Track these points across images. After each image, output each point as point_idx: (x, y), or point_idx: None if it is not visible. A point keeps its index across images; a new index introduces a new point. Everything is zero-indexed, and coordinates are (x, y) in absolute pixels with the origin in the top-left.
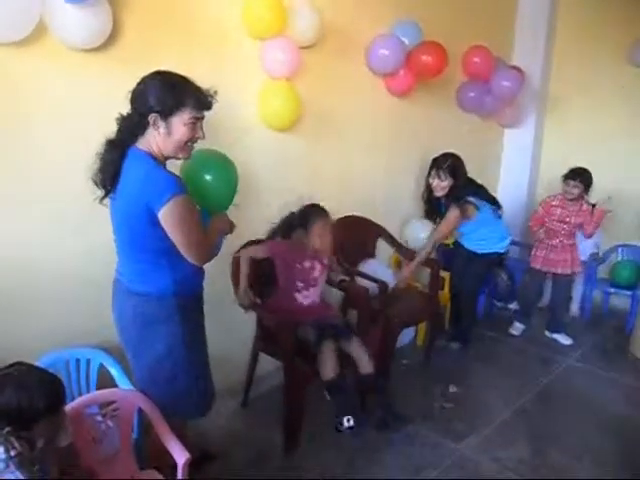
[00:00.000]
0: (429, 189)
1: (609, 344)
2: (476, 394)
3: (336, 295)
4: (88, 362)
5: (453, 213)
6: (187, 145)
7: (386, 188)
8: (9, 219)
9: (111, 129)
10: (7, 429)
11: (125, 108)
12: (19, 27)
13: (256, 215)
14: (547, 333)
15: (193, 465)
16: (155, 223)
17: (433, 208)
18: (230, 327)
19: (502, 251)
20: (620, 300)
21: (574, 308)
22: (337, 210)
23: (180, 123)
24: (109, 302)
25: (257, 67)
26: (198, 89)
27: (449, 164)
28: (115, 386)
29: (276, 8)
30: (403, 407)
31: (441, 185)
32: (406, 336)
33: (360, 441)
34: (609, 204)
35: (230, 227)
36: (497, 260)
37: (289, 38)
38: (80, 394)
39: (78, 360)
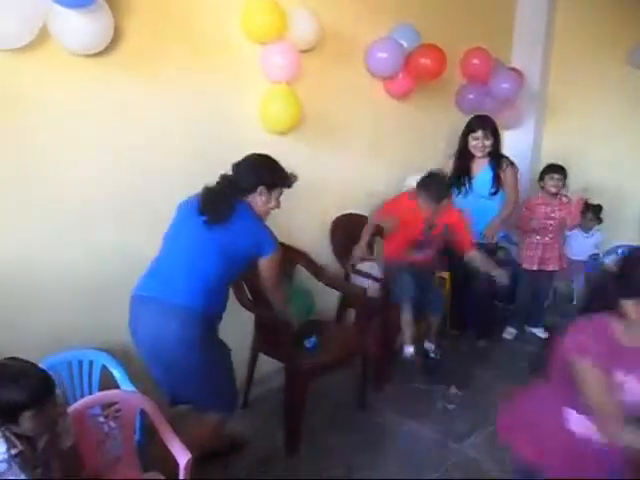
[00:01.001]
0: (464, 153)
1: None
2: (478, 394)
3: (334, 294)
4: (91, 364)
5: (510, 169)
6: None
7: (386, 189)
8: (12, 222)
9: (111, 133)
10: None
11: (125, 112)
12: (22, 33)
13: None
14: (526, 327)
15: (223, 455)
16: (250, 263)
17: (465, 172)
18: (228, 329)
19: (498, 239)
20: None
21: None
22: (338, 211)
23: (276, 196)
24: (111, 304)
25: (257, 72)
26: (287, 173)
27: (491, 122)
28: (117, 388)
29: (275, 13)
30: (404, 407)
31: (486, 144)
32: None
33: (361, 440)
34: (586, 194)
35: None
36: (496, 249)
37: (288, 42)
38: (82, 396)
39: (81, 362)
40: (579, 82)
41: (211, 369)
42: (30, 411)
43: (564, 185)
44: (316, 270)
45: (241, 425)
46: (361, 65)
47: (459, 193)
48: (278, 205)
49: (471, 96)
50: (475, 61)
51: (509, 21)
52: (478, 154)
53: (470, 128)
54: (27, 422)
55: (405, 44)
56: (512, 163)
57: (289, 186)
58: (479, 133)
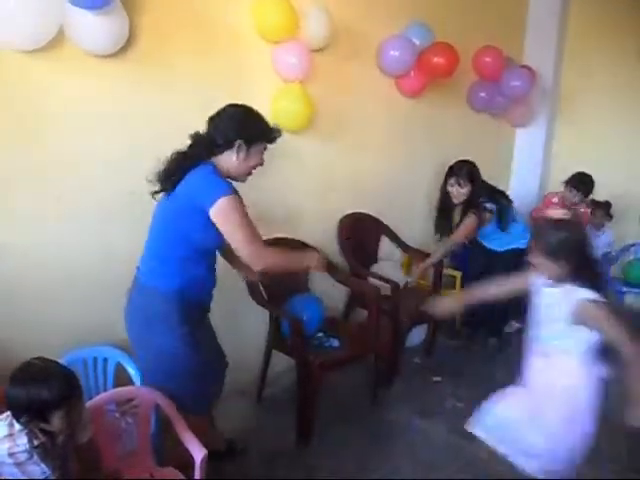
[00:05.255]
0: (444, 198)
1: None
2: (489, 393)
3: (340, 292)
4: (105, 361)
5: (470, 220)
6: (253, 170)
7: (398, 188)
8: (27, 219)
9: (128, 131)
10: (23, 418)
11: (142, 111)
12: (40, 35)
13: (271, 214)
14: None
15: (217, 457)
16: (204, 225)
17: (446, 217)
18: (242, 327)
19: (524, 246)
20: (634, 299)
21: None
22: (349, 210)
23: (258, 151)
24: (125, 301)
25: (270, 70)
26: (270, 124)
27: (467, 170)
28: (132, 384)
29: (287, 12)
30: (415, 404)
31: (461, 192)
32: (416, 336)
33: (372, 436)
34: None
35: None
36: (520, 257)
37: (301, 41)
38: (98, 392)
39: (95, 359)
40: (592, 79)
41: (169, 353)
42: (61, 410)
43: (586, 196)
44: (329, 267)
45: (255, 422)
46: (373, 63)
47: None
48: (261, 162)
49: (483, 94)
50: (487, 59)
51: (522, 19)
52: (455, 201)
53: (448, 174)
54: (58, 420)
55: (417, 42)
56: (482, 210)
57: (272, 141)
58: (452, 180)
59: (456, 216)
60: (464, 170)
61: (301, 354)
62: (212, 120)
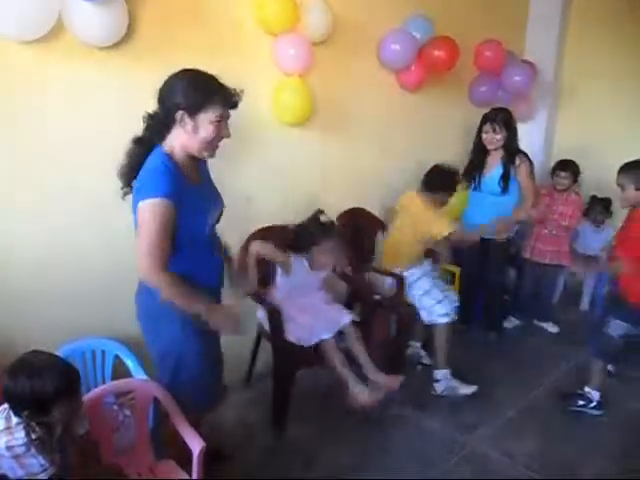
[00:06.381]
0: (477, 147)
1: (621, 339)
2: (487, 387)
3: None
4: (103, 353)
5: (523, 164)
6: (213, 144)
7: (398, 182)
8: (26, 214)
9: (127, 124)
10: (25, 412)
11: (141, 104)
12: (38, 26)
13: (269, 207)
14: (535, 322)
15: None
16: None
17: (478, 163)
18: (242, 320)
19: (512, 235)
20: None
21: (584, 303)
22: (348, 204)
23: (206, 121)
24: (124, 294)
25: (270, 63)
26: (225, 87)
27: (503, 116)
28: (130, 376)
29: (288, 4)
30: (415, 399)
31: (495, 137)
32: None
33: (370, 433)
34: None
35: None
36: (509, 245)
37: (301, 34)
38: (96, 385)
39: (94, 351)
40: (593, 74)
41: (173, 353)
42: (63, 401)
43: (575, 181)
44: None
45: (247, 414)
46: (374, 57)
47: (471, 188)
48: (219, 134)
49: (483, 88)
50: (488, 53)
51: (523, 13)
52: (490, 147)
53: (482, 121)
54: (59, 412)
55: (418, 36)
56: (528, 159)
57: (234, 106)
58: (486, 126)
59: (489, 165)
60: (500, 116)
61: (277, 343)
62: (158, 95)
